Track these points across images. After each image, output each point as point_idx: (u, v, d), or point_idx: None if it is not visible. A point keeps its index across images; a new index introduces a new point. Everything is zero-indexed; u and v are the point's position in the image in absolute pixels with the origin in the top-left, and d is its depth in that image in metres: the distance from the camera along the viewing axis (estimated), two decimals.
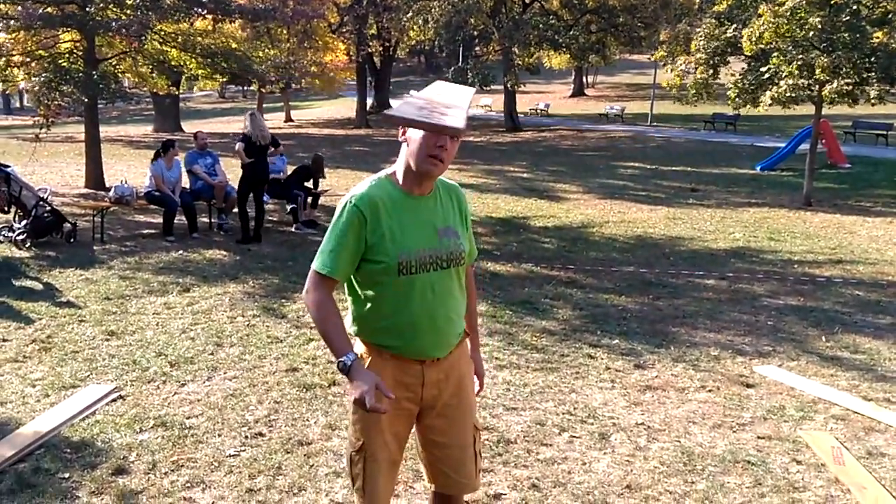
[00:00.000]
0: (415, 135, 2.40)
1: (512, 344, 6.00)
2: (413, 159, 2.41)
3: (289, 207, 11.02)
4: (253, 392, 4.93)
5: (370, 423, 2.49)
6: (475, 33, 35.21)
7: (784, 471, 3.99)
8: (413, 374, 2.52)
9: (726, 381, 5.31)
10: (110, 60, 15.70)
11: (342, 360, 2.37)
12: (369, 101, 40.31)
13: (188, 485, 3.73)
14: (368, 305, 2.49)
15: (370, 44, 37.65)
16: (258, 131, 9.61)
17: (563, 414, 4.68)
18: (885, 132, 23.88)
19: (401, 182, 2.48)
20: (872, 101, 13.30)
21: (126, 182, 11.83)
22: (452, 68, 36.16)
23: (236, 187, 10.18)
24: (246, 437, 4.27)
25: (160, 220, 10.21)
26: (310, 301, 2.44)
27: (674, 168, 20.01)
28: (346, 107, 44.96)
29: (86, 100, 13.86)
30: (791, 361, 5.76)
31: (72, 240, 9.41)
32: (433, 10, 32.90)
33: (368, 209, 2.39)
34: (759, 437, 4.40)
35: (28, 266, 8.20)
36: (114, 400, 4.77)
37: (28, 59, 14.87)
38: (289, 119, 41.07)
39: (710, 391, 5.14)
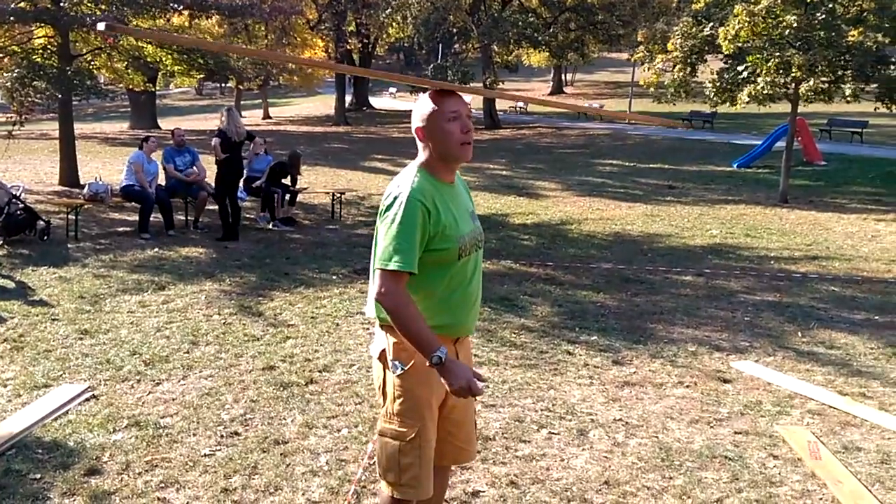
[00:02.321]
0: (438, 131, 2.51)
1: (490, 341, 5.98)
2: (446, 152, 2.53)
3: (260, 221, 11.02)
4: (229, 391, 4.88)
5: (425, 407, 2.56)
6: (454, 30, 35.25)
7: (761, 465, 4.01)
8: (450, 353, 2.55)
9: (703, 377, 5.33)
10: (85, 56, 15.52)
11: (437, 354, 2.38)
12: (348, 99, 40.20)
13: (162, 485, 3.67)
14: (423, 290, 2.52)
15: (349, 41, 37.55)
16: (234, 127, 9.57)
17: (542, 410, 4.67)
18: (859, 130, 24.14)
19: (436, 173, 2.57)
20: (847, 98, 13.42)
21: (101, 179, 11.69)
22: (431, 65, 36.17)
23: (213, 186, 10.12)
24: (221, 436, 4.22)
25: (135, 217, 10.11)
26: (391, 302, 2.41)
27: (651, 166, 20.12)
28: (324, 104, 44.80)
29: (59, 96, 13.70)
30: (768, 357, 5.79)
31: (45, 238, 9.29)
32: (412, 6, 32.92)
33: (429, 201, 2.45)
34: (736, 433, 4.41)
35: (0, 264, 8.07)
36: (87, 399, 4.69)
37: (1, 55, 14.66)
38: (267, 116, 40.83)
39: (687, 387, 5.15)
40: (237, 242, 9.63)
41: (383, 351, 2.58)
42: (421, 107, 2.56)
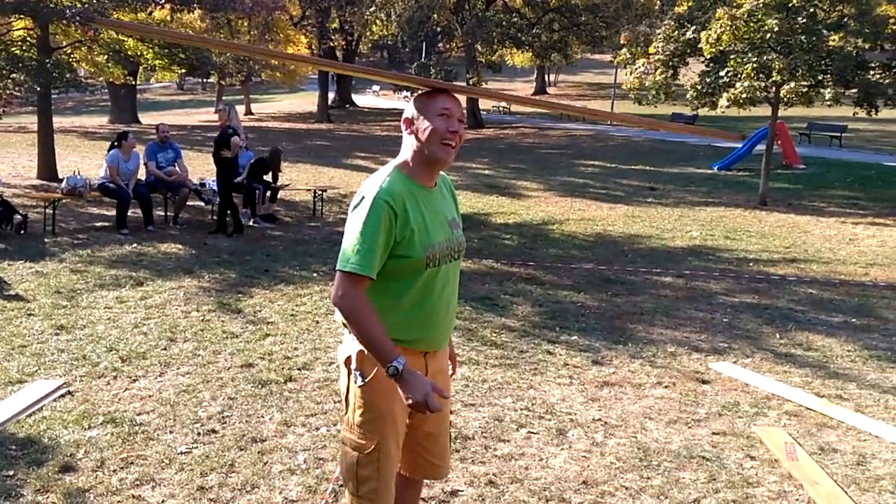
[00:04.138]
0: (424, 124, 2.41)
1: (471, 340, 5.97)
2: (426, 148, 2.41)
3: (241, 218, 10.90)
4: (206, 388, 4.84)
5: (387, 420, 2.47)
6: (438, 29, 35.22)
7: (738, 466, 4.03)
8: (419, 366, 2.50)
9: (682, 378, 5.35)
10: (65, 49, 15.36)
11: (393, 364, 2.29)
12: (331, 96, 40.07)
13: (137, 482, 3.63)
14: (388, 300, 2.43)
15: (332, 38, 37.43)
16: (239, 124, 9.80)
17: (521, 410, 4.67)
18: (839, 134, 24.34)
19: (414, 175, 2.45)
20: (828, 102, 13.55)
21: (79, 173, 11.55)
22: (415, 64, 36.13)
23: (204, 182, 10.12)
24: (198, 433, 4.18)
25: (114, 212, 10.00)
26: (348, 305, 2.33)
27: (633, 167, 20.20)
28: (307, 101, 44.61)
29: (38, 89, 13.55)
30: (746, 358, 5.83)
31: (22, 232, 9.18)
32: (396, 4, 32.84)
33: (398, 204, 2.34)
34: (713, 433, 4.44)
35: None
36: (62, 396, 4.64)
37: None
38: (249, 112, 40.57)
39: (666, 387, 5.17)
40: (217, 238, 9.57)
41: (349, 357, 2.49)
42: (415, 100, 2.48)
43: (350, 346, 2.49)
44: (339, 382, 2.63)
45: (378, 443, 2.46)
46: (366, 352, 2.43)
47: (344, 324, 2.51)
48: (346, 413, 2.54)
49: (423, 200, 2.44)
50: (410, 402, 2.31)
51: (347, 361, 2.50)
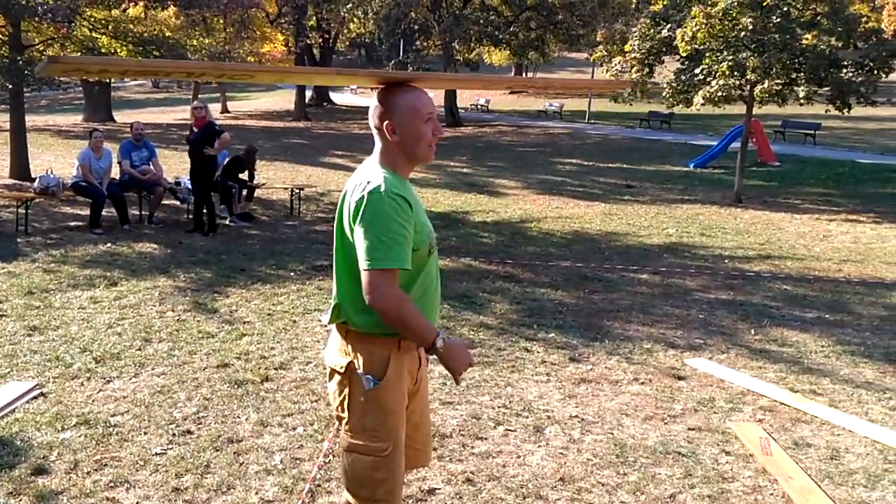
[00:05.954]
0: (412, 129, 2.41)
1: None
2: (413, 151, 2.44)
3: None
4: (182, 388, 4.80)
5: (398, 418, 2.47)
6: (416, 27, 35.11)
7: (714, 462, 4.06)
8: (415, 360, 2.57)
9: (658, 374, 5.38)
10: (37, 46, 15.16)
11: (438, 339, 2.37)
12: (308, 94, 39.87)
13: (111, 484, 3.59)
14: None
15: (309, 35, 37.24)
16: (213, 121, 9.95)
17: (499, 407, 4.67)
18: (812, 132, 24.59)
19: (399, 170, 2.45)
20: (801, 101, 13.68)
21: (52, 172, 11.41)
22: (392, 62, 36.05)
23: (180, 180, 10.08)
24: (173, 434, 4.14)
25: (88, 212, 9.89)
26: (392, 301, 2.27)
27: (610, 165, 20.29)
28: (284, 99, 44.32)
29: (11, 87, 13.38)
30: (721, 354, 5.87)
31: None
32: (373, 2, 32.76)
33: (408, 195, 2.37)
34: (689, 429, 4.46)
35: None
36: (35, 397, 4.58)
37: None
38: (225, 110, 40.26)
39: (642, 384, 5.19)
40: (192, 237, 9.49)
41: (349, 364, 2.43)
42: (394, 101, 2.42)
43: (347, 352, 2.46)
44: (331, 390, 2.54)
45: (394, 442, 2.45)
46: (372, 354, 2.42)
47: (344, 322, 2.47)
48: (347, 421, 2.47)
49: (412, 192, 2.48)
50: (457, 375, 2.45)
51: (349, 369, 2.45)
